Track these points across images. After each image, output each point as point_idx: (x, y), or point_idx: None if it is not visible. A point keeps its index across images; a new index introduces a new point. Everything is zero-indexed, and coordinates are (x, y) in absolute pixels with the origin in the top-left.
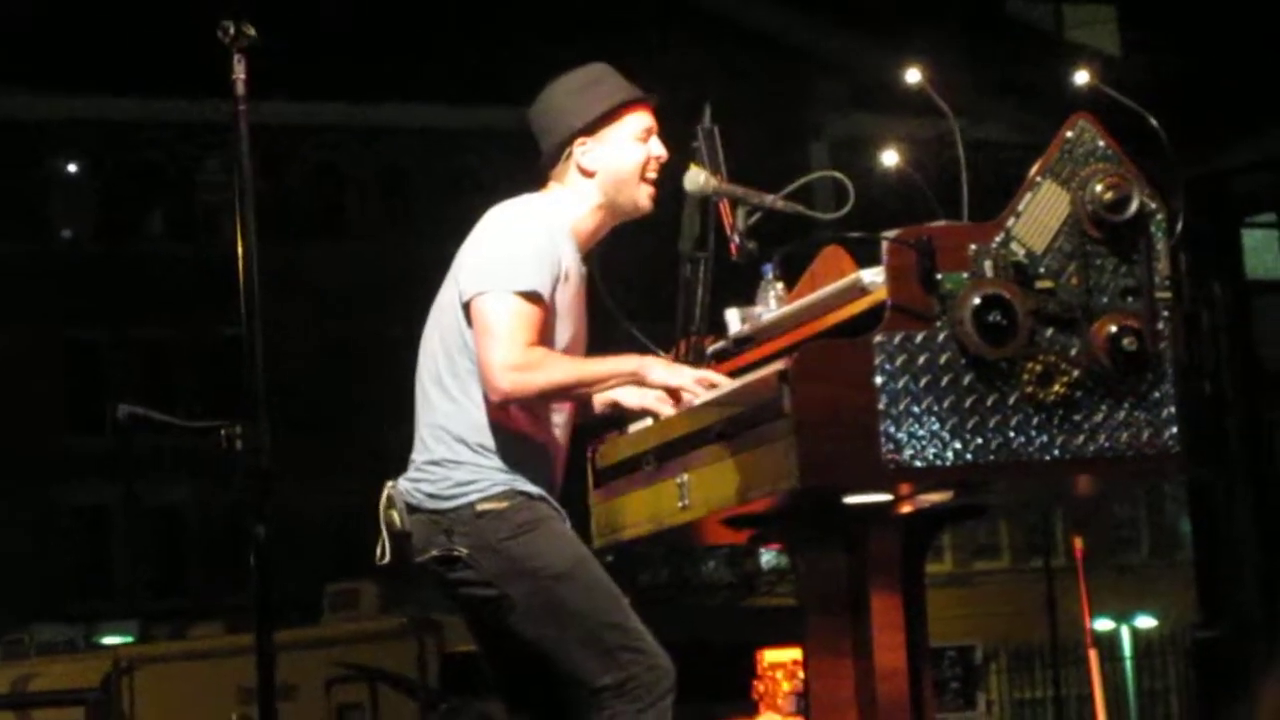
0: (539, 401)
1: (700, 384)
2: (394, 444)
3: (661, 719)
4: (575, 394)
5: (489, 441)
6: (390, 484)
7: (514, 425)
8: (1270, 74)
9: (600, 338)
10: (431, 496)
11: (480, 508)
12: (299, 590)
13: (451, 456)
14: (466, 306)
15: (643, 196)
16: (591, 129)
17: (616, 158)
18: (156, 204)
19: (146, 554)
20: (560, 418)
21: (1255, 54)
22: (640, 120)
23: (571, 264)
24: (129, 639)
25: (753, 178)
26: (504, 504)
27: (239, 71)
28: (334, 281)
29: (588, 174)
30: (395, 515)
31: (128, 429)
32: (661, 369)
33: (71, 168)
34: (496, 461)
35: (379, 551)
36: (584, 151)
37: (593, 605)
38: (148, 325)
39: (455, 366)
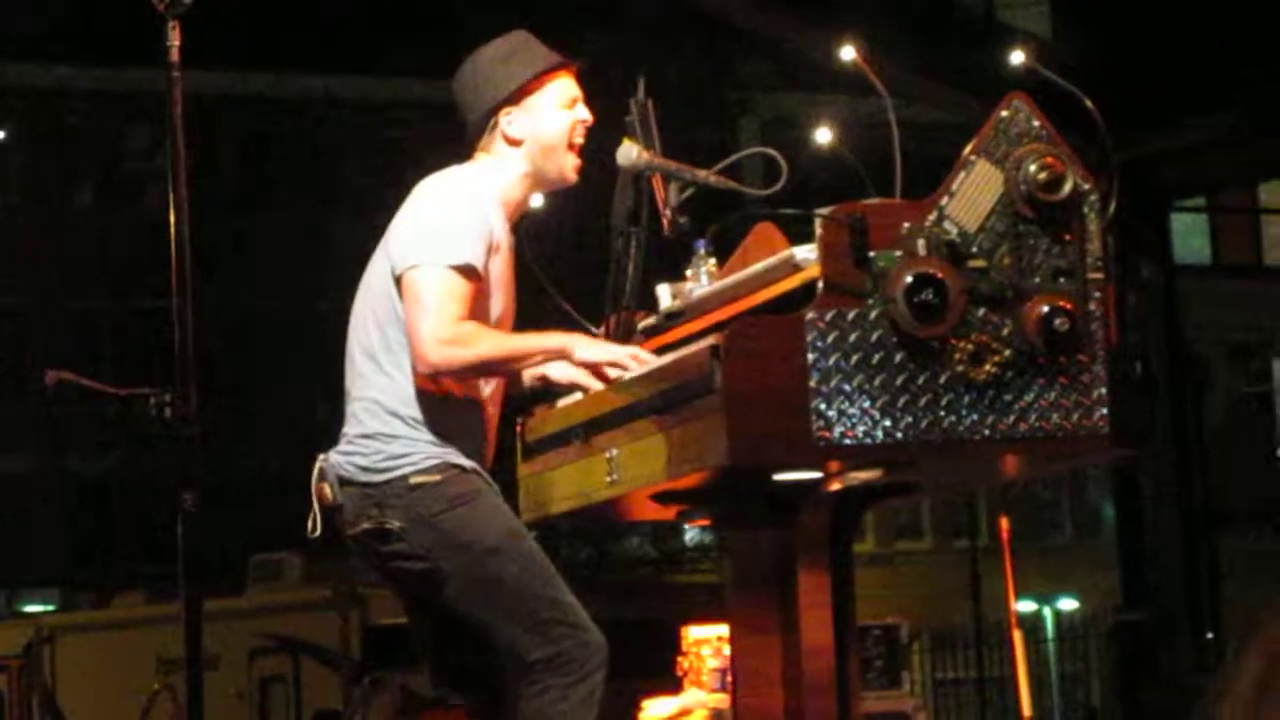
0: (467, 375)
1: (627, 361)
2: (320, 415)
3: (593, 693)
4: (503, 369)
5: (421, 414)
6: (322, 457)
7: (446, 398)
8: (1199, 60)
9: (529, 311)
10: (364, 469)
11: (413, 480)
12: (223, 560)
13: (385, 430)
14: (399, 279)
15: (568, 167)
16: (515, 98)
17: (542, 125)
18: (84, 173)
19: (69, 522)
20: (490, 390)
21: (1184, 40)
22: (564, 87)
23: (502, 234)
24: (51, 607)
25: (682, 154)
26: (437, 477)
27: (173, 38)
28: (260, 253)
29: (514, 143)
30: (326, 488)
31: (54, 396)
32: (587, 346)
33: None
34: (429, 434)
35: (310, 524)
36: (509, 121)
37: (526, 579)
38: (74, 294)
39: (387, 339)
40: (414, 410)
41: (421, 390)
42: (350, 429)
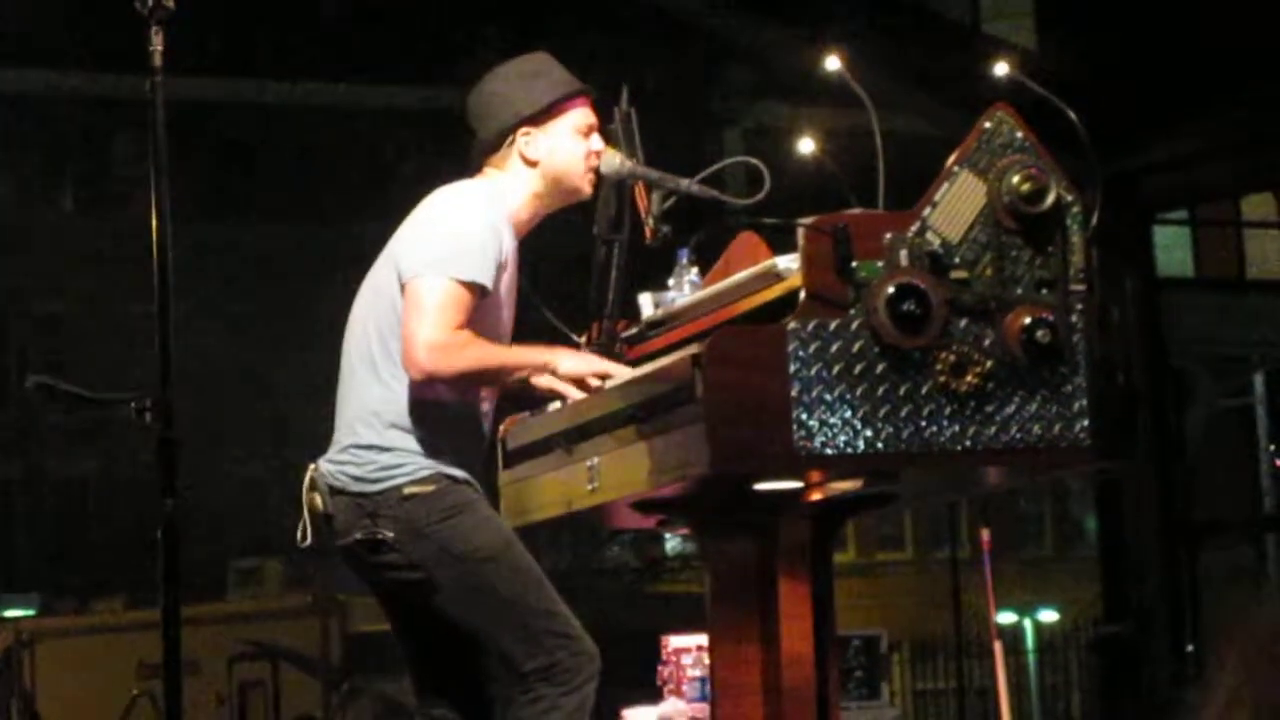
0: (457, 383)
1: (606, 375)
2: (298, 424)
3: (585, 703)
4: (491, 380)
5: (418, 425)
6: (313, 466)
7: (444, 410)
8: (1182, 73)
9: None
10: (356, 479)
11: (407, 491)
12: (203, 566)
13: (380, 442)
14: (403, 287)
15: (585, 184)
16: (537, 119)
17: (559, 150)
18: (67, 178)
19: (49, 527)
20: (486, 404)
21: (1168, 53)
22: (582, 115)
23: (510, 251)
24: (31, 612)
25: (665, 165)
26: (430, 487)
27: (156, 43)
28: (242, 260)
29: (530, 163)
30: (317, 498)
31: (35, 401)
32: (570, 360)
33: None
34: (424, 446)
35: (300, 534)
36: (528, 141)
37: (519, 589)
38: (51, 299)
39: (388, 349)
40: (411, 421)
41: (420, 401)
42: (344, 438)
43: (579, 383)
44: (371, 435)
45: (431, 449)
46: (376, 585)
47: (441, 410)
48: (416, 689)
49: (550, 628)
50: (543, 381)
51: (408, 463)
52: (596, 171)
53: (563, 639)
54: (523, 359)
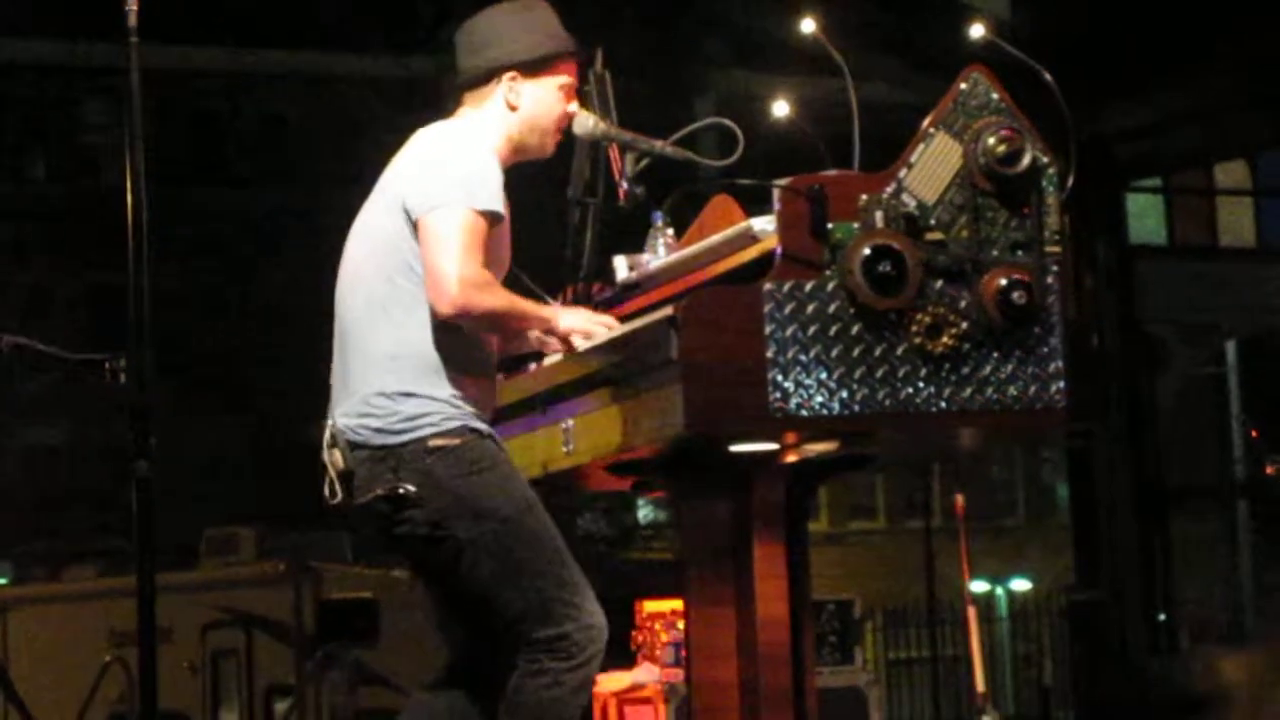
0: (480, 323)
1: (602, 331)
2: (267, 392)
3: (588, 678)
4: (507, 326)
5: (439, 368)
6: (330, 422)
7: (462, 350)
8: (1155, 39)
9: None
10: (379, 431)
11: (432, 444)
12: (176, 534)
13: (400, 388)
14: (416, 224)
15: (551, 144)
16: (529, 68)
17: (542, 104)
18: (37, 146)
19: (21, 496)
20: (492, 346)
21: (1140, 19)
22: (569, 76)
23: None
24: (3, 580)
25: (638, 130)
26: (456, 441)
27: (131, 3)
28: (212, 227)
29: (511, 107)
30: (339, 454)
31: (7, 363)
32: (570, 316)
33: None
34: (446, 391)
35: (327, 492)
36: (514, 87)
37: (536, 554)
38: (26, 266)
39: (398, 289)
40: (431, 363)
41: (439, 342)
42: (360, 388)
43: (565, 340)
44: (392, 381)
45: (456, 397)
46: (395, 542)
47: (461, 357)
48: (453, 648)
49: (562, 597)
50: (534, 335)
51: (433, 411)
52: (563, 135)
53: (574, 610)
54: (536, 313)
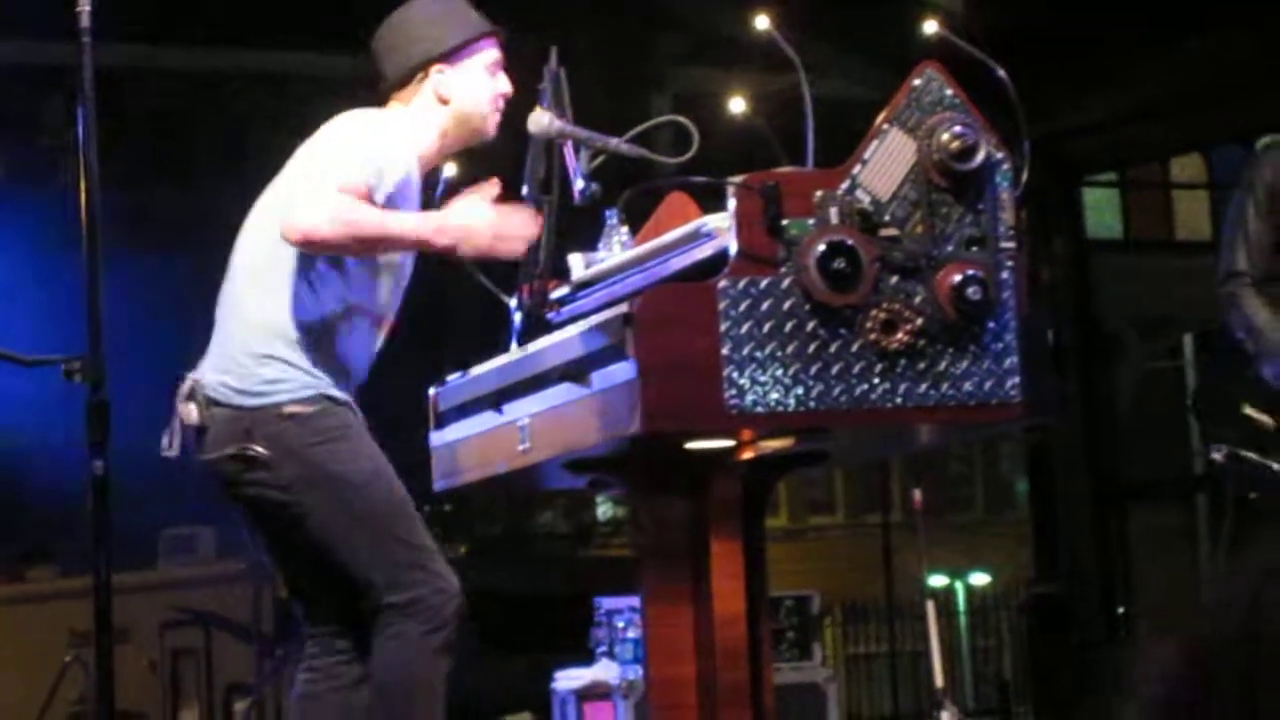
0: (334, 244)
1: (510, 236)
2: None
3: (449, 641)
4: (373, 246)
5: (303, 339)
6: (193, 375)
7: (327, 322)
8: (1110, 34)
9: (442, 279)
10: (238, 392)
11: (287, 410)
12: (134, 534)
13: (264, 350)
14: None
15: (490, 124)
16: (448, 57)
17: (471, 88)
18: None
19: None
20: (379, 331)
21: (1095, 14)
22: (491, 54)
23: (416, 181)
24: None
25: (593, 128)
26: (311, 408)
27: (84, 3)
28: (174, 228)
29: (442, 100)
30: (193, 408)
31: None
32: (453, 224)
33: None
34: (305, 360)
35: (165, 442)
36: (440, 79)
37: (387, 520)
38: None
39: (277, 258)
40: (296, 335)
41: (306, 314)
42: (227, 346)
43: (492, 251)
44: (258, 344)
45: (315, 366)
46: (245, 502)
47: (326, 321)
48: (303, 611)
49: (414, 560)
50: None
51: (290, 379)
52: (502, 114)
53: (426, 574)
54: (408, 229)
